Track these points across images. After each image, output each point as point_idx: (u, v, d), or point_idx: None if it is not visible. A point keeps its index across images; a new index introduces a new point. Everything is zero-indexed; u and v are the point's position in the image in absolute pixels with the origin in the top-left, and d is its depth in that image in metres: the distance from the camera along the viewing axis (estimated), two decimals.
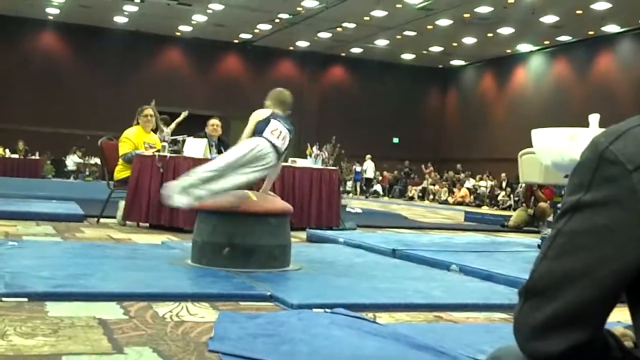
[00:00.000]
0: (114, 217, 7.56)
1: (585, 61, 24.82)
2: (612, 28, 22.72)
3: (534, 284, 0.97)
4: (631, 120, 0.95)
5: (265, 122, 4.62)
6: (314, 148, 8.85)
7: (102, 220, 7.55)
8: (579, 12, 20.79)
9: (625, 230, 0.90)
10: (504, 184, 22.55)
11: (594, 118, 4.88)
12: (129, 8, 24.35)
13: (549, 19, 21.94)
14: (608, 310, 0.96)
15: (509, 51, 27.45)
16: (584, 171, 0.95)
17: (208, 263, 4.28)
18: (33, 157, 22.51)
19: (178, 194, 4.38)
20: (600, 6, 19.97)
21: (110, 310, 2.96)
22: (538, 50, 26.86)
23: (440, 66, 31.49)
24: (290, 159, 8.55)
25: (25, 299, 3.05)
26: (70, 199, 9.72)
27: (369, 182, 26.33)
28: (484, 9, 21.32)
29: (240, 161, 4.46)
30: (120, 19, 26.14)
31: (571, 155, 4.58)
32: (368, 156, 26.06)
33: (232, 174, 4.40)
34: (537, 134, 5.20)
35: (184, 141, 7.49)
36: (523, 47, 26.84)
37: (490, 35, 24.67)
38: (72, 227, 6.81)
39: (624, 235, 0.90)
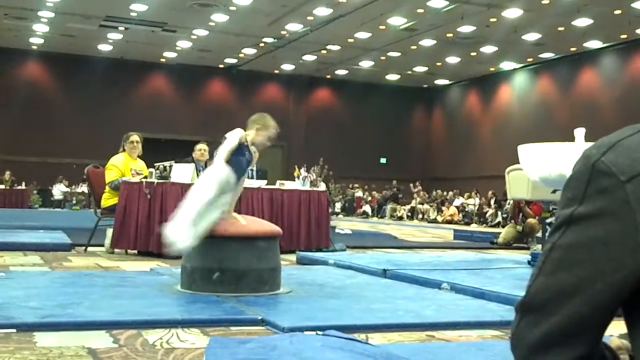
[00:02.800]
0: (102, 245, 7.50)
1: (568, 77, 25.02)
2: (594, 44, 22.94)
3: (531, 300, 0.96)
4: (622, 131, 0.94)
5: None
6: (302, 170, 8.84)
7: (89, 248, 7.49)
8: (560, 29, 20.99)
9: (620, 242, 0.89)
10: (491, 202, 22.58)
11: (580, 132, 4.91)
12: (113, 36, 24.38)
13: (531, 36, 22.14)
14: (606, 324, 0.94)
15: (492, 69, 27.65)
16: (576, 184, 0.93)
17: (197, 288, 4.24)
18: (19, 187, 22.38)
19: (188, 234, 4.13)
20: (582, 22, 20.16)
21: (100, 339, 2.92)
22: (521, 67, 27.07)
23: (425, 86, 31.66)
24: (278, 182, 8.55)
25: (14, 330, 3.00)
26: (57, 228, 9.67)
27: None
28: (466, 29, 21.49)
29: (209, 196, 4.26)
30: (104, 47, 26.15)
31: (558, 170, 4.59)
32: (319, 178, 26.05)
33: (207, 211, 4.21)
34: (523, 150, 5.21)
35: (171, 167, 7.46)
36: (506, 65, 27.04)
37: (473, 54, 24.86)
38: (60, 257, 6.76)
39: (619, 247, 0.89)
